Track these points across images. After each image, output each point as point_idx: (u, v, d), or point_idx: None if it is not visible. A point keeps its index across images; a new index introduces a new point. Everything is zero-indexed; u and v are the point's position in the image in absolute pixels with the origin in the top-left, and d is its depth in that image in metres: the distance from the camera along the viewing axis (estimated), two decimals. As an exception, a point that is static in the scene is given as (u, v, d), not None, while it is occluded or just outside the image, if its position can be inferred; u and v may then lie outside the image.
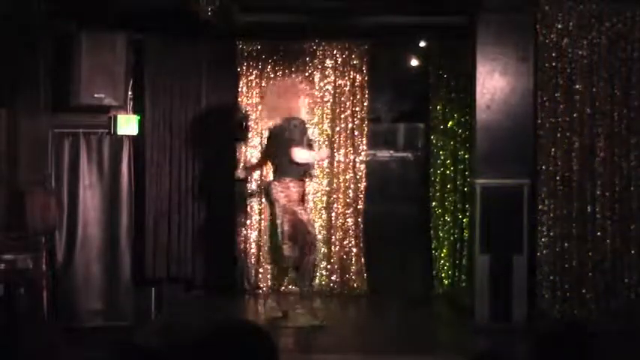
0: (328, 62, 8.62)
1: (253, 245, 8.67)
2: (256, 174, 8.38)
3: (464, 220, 8.47)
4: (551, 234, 7.12)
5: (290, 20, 8.13)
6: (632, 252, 7.10)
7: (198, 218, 8.38)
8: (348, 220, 8.64)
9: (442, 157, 8.60)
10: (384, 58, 8.73)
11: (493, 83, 7.13)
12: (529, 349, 2.84)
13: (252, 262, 8.64)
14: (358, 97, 8.61)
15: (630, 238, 7.10)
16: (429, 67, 8.70)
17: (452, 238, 8.59)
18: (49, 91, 7.22)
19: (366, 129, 8.62)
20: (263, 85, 8.60)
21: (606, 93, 7.09)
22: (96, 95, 7.16)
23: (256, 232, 8.64)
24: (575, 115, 7.11)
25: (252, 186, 8.53)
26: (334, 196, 8.62)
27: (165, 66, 8.19)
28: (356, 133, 8.56)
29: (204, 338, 2.32)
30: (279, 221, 7.10)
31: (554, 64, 7.12)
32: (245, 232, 8.66)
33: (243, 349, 2.30)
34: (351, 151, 8.58)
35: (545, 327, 3.01)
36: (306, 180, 7.49)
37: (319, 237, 8.65)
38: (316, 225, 8.61)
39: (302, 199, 7.34)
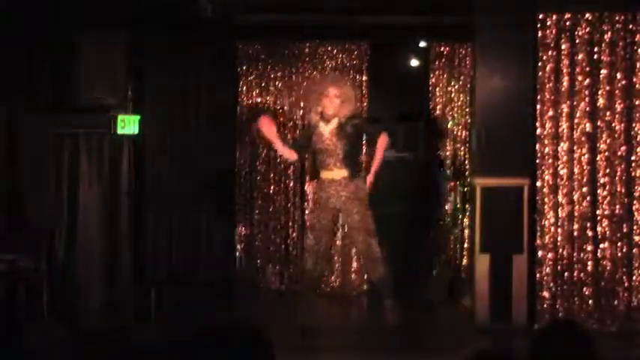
0: (328, 62, 8.62)
1: (253, 245, 8.68)
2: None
3: (464, 220, 8.47)
4: (551, 234, 7.12)
5: (290, 20, 8.14)
6: (633, 252, 7.09)
7: (198, 218, 8.39)
8: (348, 220, 8.64)
9: (442, 157, 8.61)
10: (384, 58, 8.73)
11: (493, 83, 7.12)
12: (527, 349, 2.84)
13: (253, 262, 8.65)
14: (358, 97, 8.61)
15: (630, 239, 7.10)
16: (429, 67, 8.70)
17: (452, 238, 8.60)
18: (49, 91, 7.22)
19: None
20: (263, 84, 8.61)
21: (606, 93, 7.08)
22: (96, 95, 7.16)
23: (256, 232, 8.65)
24: (575, 115, 7.11)
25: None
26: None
27: (165, 66, 8.19)
28: (356, 133, 8.55)
29: (201, 339, 2.32)
30: None
31: (554, 64, 7.12)
32: (245, 232, 8.67)
33: (239, 350, 2.30)
34: (351, 151, 8.58)
35: (543, 327, 3.00)
36: (337, 180, 6.83)
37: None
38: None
39: (335, 204, 6.81)
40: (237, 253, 8.64)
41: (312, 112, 6.92)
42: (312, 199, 6.98)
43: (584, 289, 7.10)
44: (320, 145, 6.85)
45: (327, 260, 6.97)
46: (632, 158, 7.08)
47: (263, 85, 8.63)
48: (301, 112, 8.62)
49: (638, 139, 7.09)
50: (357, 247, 6.82)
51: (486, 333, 6.87)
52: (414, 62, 8.84)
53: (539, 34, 7.11)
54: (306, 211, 8.69)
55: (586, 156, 7.11)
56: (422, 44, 8.68)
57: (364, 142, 7.52)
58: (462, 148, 8.55)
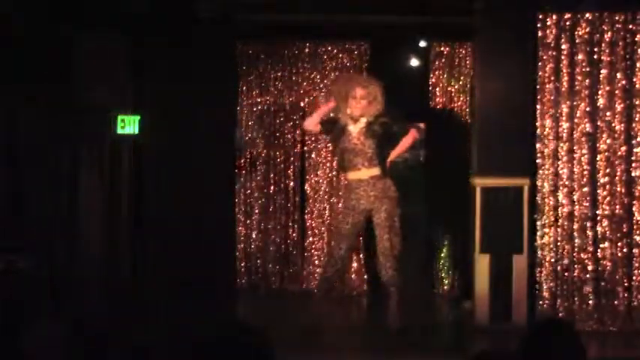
0: (328, 62, 8.62)
1: (253, 245, 8.67)
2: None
3: (464, 220, 8.46)
4: (551, 234, 7.12)
5: (290, 20, 8.13)
6: (633, 252, 7.09)
7: (198, 218, 8.38)
8: (348, 220, 8.64)
9: (442, 157, 8.60)
10: (384, 58, 8.73)
11: (493, 83, 7.12)
12: (517, 347, 2.85)
13: (253, 261, 8.65)
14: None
15: (631, 239, 7.10)
16: (429, 67, 8.70)
17: (452, 238, 8.59)
18: (49, 91, 7.21)
19: (366, 129, 8.61)
20: (263, 84, 8.61)
21: (606, 93, 7.08)
22: (96, 95, 7.16)
23: (256, 232, 8.65)
24: (575, 115, 7.11)
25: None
26: (335, 197, 8.62)
27: (165, 66, 8.17)
28: (356, 133, 8.55)
29: (202, 338, 2.32)
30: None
31: (554, 64, 7.12)
32: (245, 232, 8.67)
33: (240, 350, 2.30)
34: (351, 151, 8.58)
35: (531, 325, 3.02)
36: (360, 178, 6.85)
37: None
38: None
39: (365, 205, 6.82)
40: (237, 254, 8.63)
41: (340, 113, 6.86)
42: (341, 202, 6.95)
43: (584, 289, 7.09)
44: (347, 145, 6.84)
45: (343, 263, 6.98)
46: (632, 158, 7.08)
47: (263, 85, 8.63)
48: (301, 113, 8.62)
49: (638, 139, 7.09)
50: (380, 245, 6.81)
51: (486, 333, 6.87)
52: (414, 62, 8.84)
53: (539, 34, 7.11)
54: (306, 211, 8.69)
55: (586, 156, 7.11)
56: (422, 44, 8.68)
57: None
58: (462, 148, 8.54)
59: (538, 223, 7.12)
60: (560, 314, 7.07)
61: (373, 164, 6.82)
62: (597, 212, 7.10)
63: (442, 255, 8.63)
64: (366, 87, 6.83)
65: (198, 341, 2.34)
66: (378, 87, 6.88)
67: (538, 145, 7.12)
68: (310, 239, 8.63)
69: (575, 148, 7.12)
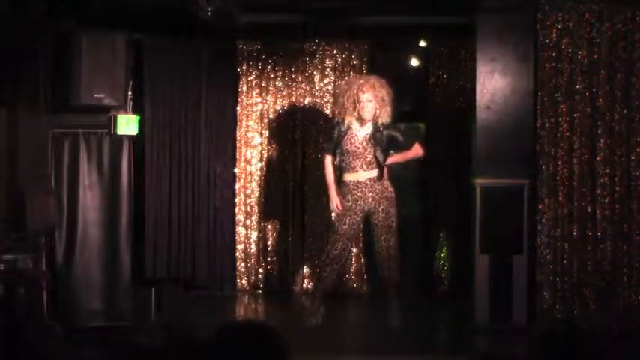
0: (328, 62, 8.61)
1: (253, 245, 8.67)
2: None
3: (464, 220, 8.46)
4: (551, 234, 7.12)
5: (290, 20, 8.13)
6: (632, 252, 7.09)
7: (198, 218, 8.39)
8: (348, 220, 8.63)
9: (441, 157, 8.60)
10: (384, 58, 8.72)
11: (493, 83, 7.13)
12: (528, 349, 2.84)
13: (253, 262, 8.65)
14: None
15: (630, 239, 7.09)
16: (429, 67, 8.70)
17: (452, 238, 8.59)
18: (49, 91, 7.22)
19: (365, 129, 8.60)
20: (263, 84, 8.61)
21: (606, 93, 7.08)
22: (96, 95, 7.16)
23: (256, 232, 8.64)
24: (575, 115, 7.11)
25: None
26: (334, 196, 8.61)
27: (165, 66, 8.19)
28: (356, 133, 8.54)
29: (215, 338, 2.28)
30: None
31: (554, 64, 7.12)
32: (245, 232, 8.66)
33: (256, 349, 2.27)
34: (351, 151, 8.57)
35: (543, 327, 3.00)
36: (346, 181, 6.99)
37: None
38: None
39: (363, 206, 6.90)
40: (237, 254, 8.63)
41: (347, 115, 6.89)
42: (339, 203, 6.94)
43: (584, 289, 7.09)
44: (348, 147, 6.90)
45: (339, 263, 6.98)
46: (632, 158, 7.08)
47: (263, 85, 8.63)
48: (301, 113, 8.63)
49: (638, 139, 7.09)
50: (378, 245, 6.87)
51: (486, 333, 6.87)
52: (414, 62, 8.84)
53: (539, 34, 7.11)
54: (305, 211, 8.69)
55: (586, 156, 7.11)
56: (422, 44, 8.67)
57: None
58: (462, 149, 8.53)
59: (538, 223, 7.12)
60: (560, 314, 7.07)
61: (371, 167, 6.90)
62: (597, 212, 7.10)
63: (442, 255, 8.62)
64: (371, 89, 6.86)
65: (209, 341, 2.31)
66: (385, 89, 6.92)
67: (538, 145, 7.12)
68: (310, 239, 8.62)
69: (575, 148, 7.12)
